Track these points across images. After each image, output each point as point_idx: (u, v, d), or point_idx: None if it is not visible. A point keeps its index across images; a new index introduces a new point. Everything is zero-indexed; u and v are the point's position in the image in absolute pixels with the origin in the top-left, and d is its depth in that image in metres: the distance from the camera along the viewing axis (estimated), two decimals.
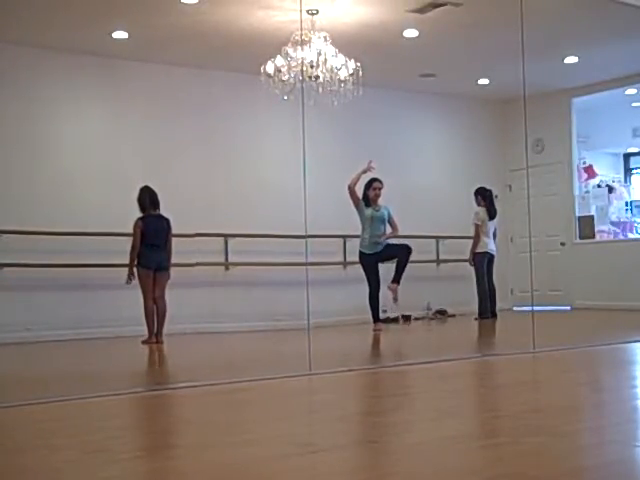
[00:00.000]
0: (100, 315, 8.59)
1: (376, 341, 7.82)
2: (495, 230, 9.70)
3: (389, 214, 8.52)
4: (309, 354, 5.25)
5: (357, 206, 8.35)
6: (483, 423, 3.38)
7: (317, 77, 7.63)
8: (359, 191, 8.37)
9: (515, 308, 11.27)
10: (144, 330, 7.71)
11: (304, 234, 6.65)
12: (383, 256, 8.37)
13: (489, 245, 9.55)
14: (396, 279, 8.33)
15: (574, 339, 7.31)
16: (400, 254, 8.33)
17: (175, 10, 7.57)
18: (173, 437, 3.26)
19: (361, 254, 8.41)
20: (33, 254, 8.18)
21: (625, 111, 11.51)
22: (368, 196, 8.39)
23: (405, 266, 8.32)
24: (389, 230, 8.54)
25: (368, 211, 8.35)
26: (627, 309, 9.95)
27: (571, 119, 11.26)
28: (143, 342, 7.59)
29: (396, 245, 8.43)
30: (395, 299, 8.39)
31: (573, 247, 11.26)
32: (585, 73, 10.26)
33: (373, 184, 8.40)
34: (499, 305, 9.82)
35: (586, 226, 11.18)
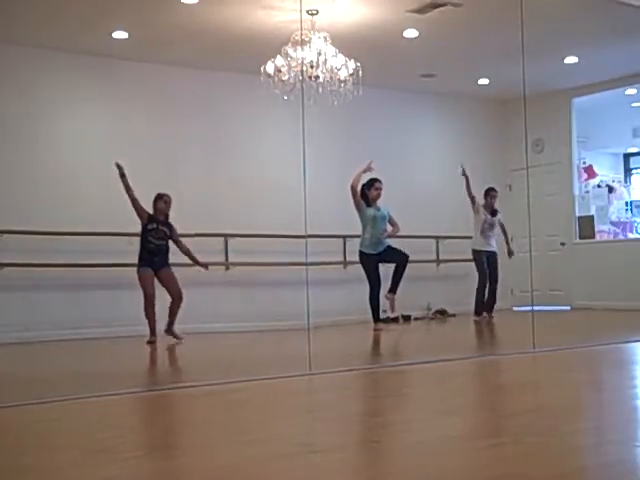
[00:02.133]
0: (100, 315, 8.60)
1: (376, 341, 7.82)
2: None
3: (389, 214, 8.52)
4: (309, 354, 5.25)
5: (358, 206, 8.34)
6: (483, 423, 3.38)
7: (317, 77, 7.63)
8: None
9: (515, 308, 11.26)
10: (143, 330, 7.71)
11: (304, 234, 6.64)
12: (383, 257, 8.36)
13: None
14: (393, 289, 8.34)
15: (574, 339, 7.31)
16: (398, 261, 8.33)
17: (175, 10, 7.58)
18: (173, 437, 3.27)
19: (362, 254, 8.40)
20: (33, 254, 8.18)
21: (625, 111, 11.51)
22: (369, 196, 8.37)
23: (402, 275, 8.33)
24: (389, 229, 8.54)
25: (370, 211, 8.35)
26: (627, 309, 9.95)
27: (571, 119, 11.27)
28: (149, 342, 7.56)
29: (396, 250, 8.43)
30: (392, 309, 8.43)
31: (573, 247, 11.26)
32: (585, 73, 10.26)
33: (375, 184, 8.39)
34: (499, 305, 9.82)
35: (586, 226, 11.18)
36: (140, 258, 7.73)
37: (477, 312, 9.38)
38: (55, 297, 8.48)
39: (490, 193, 9.58)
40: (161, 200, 7.78)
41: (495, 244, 9.60)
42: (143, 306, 7.58)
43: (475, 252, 9.46)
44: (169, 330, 7.78)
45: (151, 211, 7.76)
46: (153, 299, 7.62)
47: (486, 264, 9.41)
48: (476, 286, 9.42)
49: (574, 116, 11.26)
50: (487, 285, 9.41)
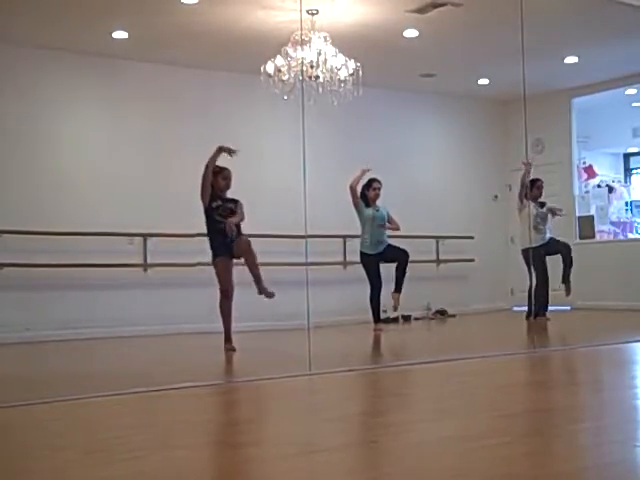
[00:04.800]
0: (100, 315, 8.59)
1: (376, 341, 7.82)
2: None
3: (388, 213, 8.54)
4: (309, 354, 5.26)
5: (357, 206, 8.35)
6: (483, 423, 3.38)
7: (317, 77, 7.64)
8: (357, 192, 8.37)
9: (515, 308, 11.25)
10: (143, 330, 7.69)
11: (304, 234, 6.64)
12: (384, 257, 8.36)
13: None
14: (398, 288, 8.31)
15: (574, 339, 7.32)
16: (400, 259, 8.31)
17: (175, 10, 7.57)
18: (173, 437, 3.26)
19: (363, 255, 8.40)
20: (33, 254, 8.18)
21: (625, 111, 11.51)
22: (367, 196, 8.38)
23: (405, 274, 8.31)
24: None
25: (369, 211, 8.36)
26: (627, 309, 9.94)
27: (571, 119, 11.26)
28: (228, 349, 6.88)
29: (397, 248, 8.43)
30: (395, 308, 8.41)
31: (573, 247, 11.20)
32: (585, 73, 10.26)
33: (373, 184, 8.40)
34: (499, 305, 9.82)
35: (586, 226, 11.17)
36: (212, 247, 7.05)
37: (535, 314, 8.61)
38: (55, 297, 8.48)
39: (536, 184, 8.89)
40: (220, 175, 6.94)
41: (550, 233, 8.90)
42: (219, 303, 7.07)
43: (526, 251, 8.62)
44: (260, 287, 7.05)
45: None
46: (231, 295, 6.99)
47: (543, 258, 8.58)
48: (534, 287, 8.60)
49: (574, 116, 11.26)
50: (546, 285, 8.59)
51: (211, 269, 9.25)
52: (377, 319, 8.35)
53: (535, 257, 8.60)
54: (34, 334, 8.16)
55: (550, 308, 9.01)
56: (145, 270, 8.98)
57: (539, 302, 8.66)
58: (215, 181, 6.95)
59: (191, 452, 2.91)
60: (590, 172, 11.58)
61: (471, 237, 10.79)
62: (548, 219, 8.91)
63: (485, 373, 5.18)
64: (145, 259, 8.94)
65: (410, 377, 5.15)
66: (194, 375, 5.07)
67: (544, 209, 8.89)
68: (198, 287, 9.09)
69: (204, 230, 8.97)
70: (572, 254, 8.78)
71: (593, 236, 11.11)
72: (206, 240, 9.08)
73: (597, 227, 11.17)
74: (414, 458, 2.77)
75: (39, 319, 8.33)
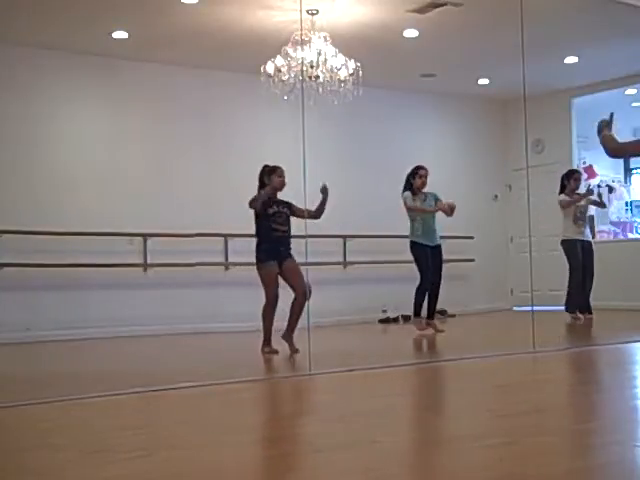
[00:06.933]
0: (100, 315, 8.59)
1: (377, 342, 7.81)
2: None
3: (437, 198, 8.10)
4: (309, 354, 5.26)
5: (409, 209, 7.98)
6: (483, 423, 3.38)
7: (317, 77, 7.64)
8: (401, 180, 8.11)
9: (515, 308, 11.26)
10: (143, 330, 7.68)
11: (304, 234, 6.64)
12: (431, 256, 7.86)
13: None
14: (430, 314, 7.89)
15: (574, 339, 7.32)
16: (433, 281, 7.83)
17: (175, 10, 7.58)
18: (173, 437, 3.26)
19: (414, 244, 7.92)
20: (33, 254, 8.18)
21: (625, 111, 11.49)
22: (414, 184, 8.05)
23: (437, 299, 7.87)
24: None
25: (417, 202, 8.00)
26: (627, 309, 9.94)
27: (571, 119, 11.26)
28: (267, 352, 6.47)
29: (439, 266, 7.93)
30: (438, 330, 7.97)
31: None
32: (585, 73, 10.26)
33: (419, 171, 8.09)
34: (499, 305, 9.80)
35: None
36: (260, 251, 6.53)
37: (570, 310, 8.65)
38: (55, 297, 8.48)
39: (574, 175, 8.88)
40: (275, 174, 6.66)
41: (590, 233, 8.89)
42: (262, 308, 6.61)
43: (567, 242, 8.62)
44: (287, 336, 6.52)
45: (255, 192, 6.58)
46: (277, 301, 6.55)
47: (581, 255, 8.57)
48: (568, 282, 8.62)
49: (574, 116, 11.26)
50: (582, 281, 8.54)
51: (211, 269, 9.30)
52: (418, 313, 7.83)
53: (570, 248, 8.54)
54: (34, 334, 8.16)
55: (549, 308, 9.02)
56: (145, 270, 8.99)
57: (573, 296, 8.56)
58: (270, 181, 6.67)
59: (192, 452, 2.90)
60: (590, 172, 11.57)
61: (471, 237, 10.78)
62: (587, 214, 8.79)
63: (485, 373, 5.19)
64: (145, 259, 8.94)
65: (410, 377, 5.15)
66: (193, 375, 5.07)
67: (584, 202, 8.75)
68: (198, 287, 9.10)
69: (204, 230, 9.01)
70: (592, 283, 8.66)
71: (593, 236, 11.10)
72: (206, 240, 9.13)
73: (597, 227, 11.17)
74: (414, 458, 2.77)
75: (39, 319, 8.33)
